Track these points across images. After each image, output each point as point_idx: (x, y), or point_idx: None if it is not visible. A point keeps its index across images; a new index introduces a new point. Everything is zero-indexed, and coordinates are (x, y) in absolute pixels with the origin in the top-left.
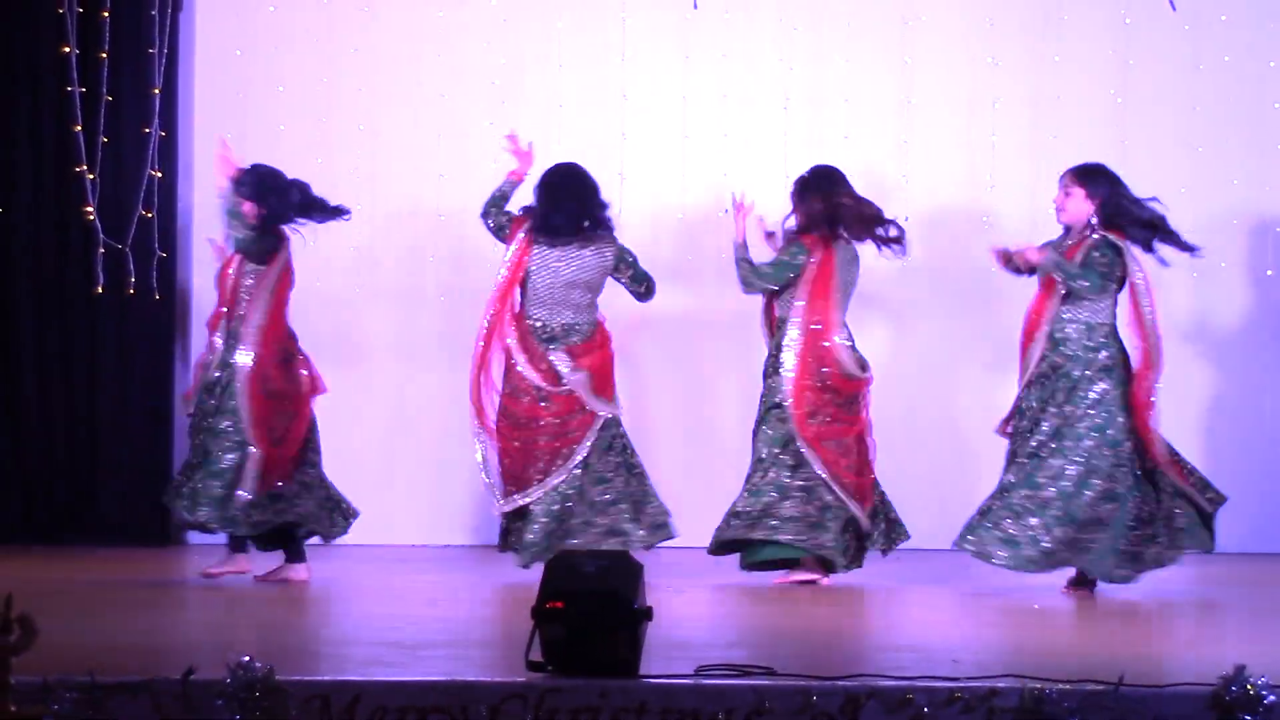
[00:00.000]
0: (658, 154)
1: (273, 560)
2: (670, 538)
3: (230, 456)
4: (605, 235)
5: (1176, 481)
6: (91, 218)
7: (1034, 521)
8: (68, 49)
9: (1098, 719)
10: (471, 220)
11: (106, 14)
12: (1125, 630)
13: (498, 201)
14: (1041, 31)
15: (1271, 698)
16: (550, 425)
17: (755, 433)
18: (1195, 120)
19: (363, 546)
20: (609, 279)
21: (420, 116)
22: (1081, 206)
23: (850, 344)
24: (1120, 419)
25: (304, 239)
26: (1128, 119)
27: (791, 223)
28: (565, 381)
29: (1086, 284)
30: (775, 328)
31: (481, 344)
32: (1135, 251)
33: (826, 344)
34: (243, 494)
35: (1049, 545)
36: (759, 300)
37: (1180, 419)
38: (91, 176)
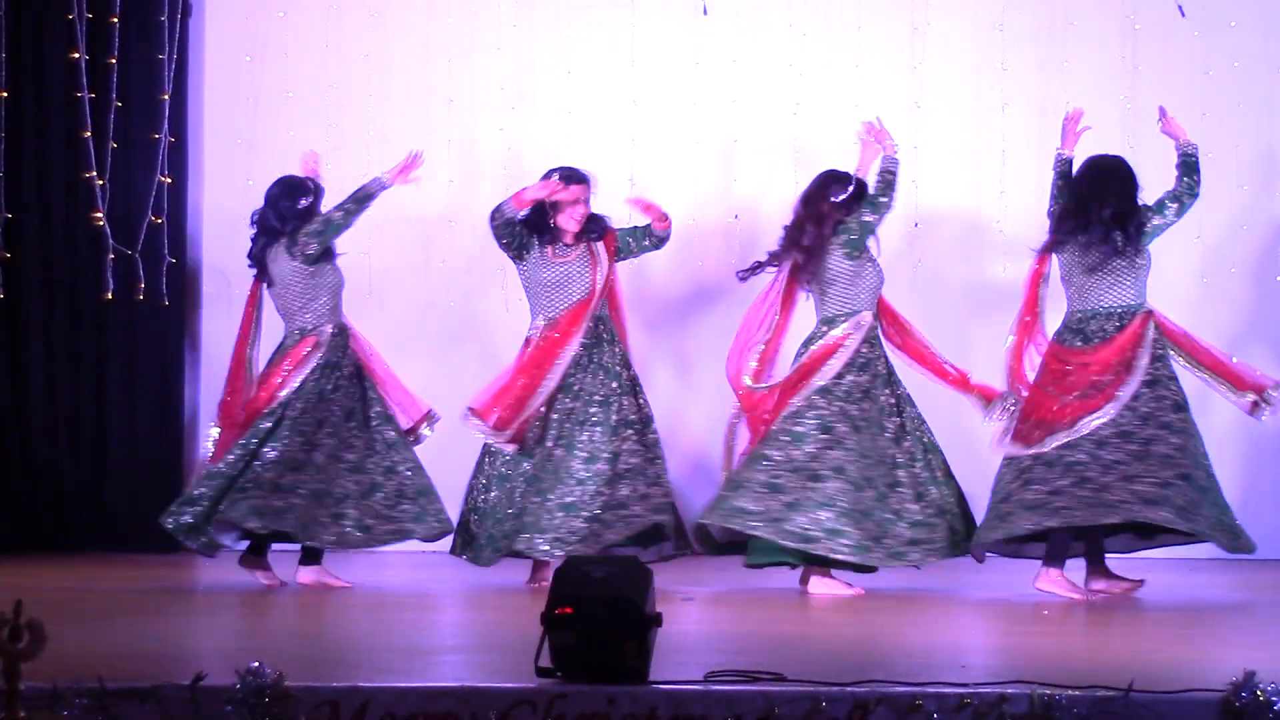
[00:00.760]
0: (667, 159)
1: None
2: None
3: None
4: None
5: None
6: (101, 223)
7: None
8: (77, 55)
9: None
10: (480, 226)
11: (116, 20)
12: (1135, 635)
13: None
14: (1050, 37)
15: None
16: None
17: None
18: (1204, 125)
19: (373, 552)
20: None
21: (430, 122)
22: None
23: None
24: None
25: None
26: (1137, 124)
27: None
28: None
29: None
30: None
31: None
32: None
33: None
34: None
35: None
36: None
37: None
38: (101, 182)
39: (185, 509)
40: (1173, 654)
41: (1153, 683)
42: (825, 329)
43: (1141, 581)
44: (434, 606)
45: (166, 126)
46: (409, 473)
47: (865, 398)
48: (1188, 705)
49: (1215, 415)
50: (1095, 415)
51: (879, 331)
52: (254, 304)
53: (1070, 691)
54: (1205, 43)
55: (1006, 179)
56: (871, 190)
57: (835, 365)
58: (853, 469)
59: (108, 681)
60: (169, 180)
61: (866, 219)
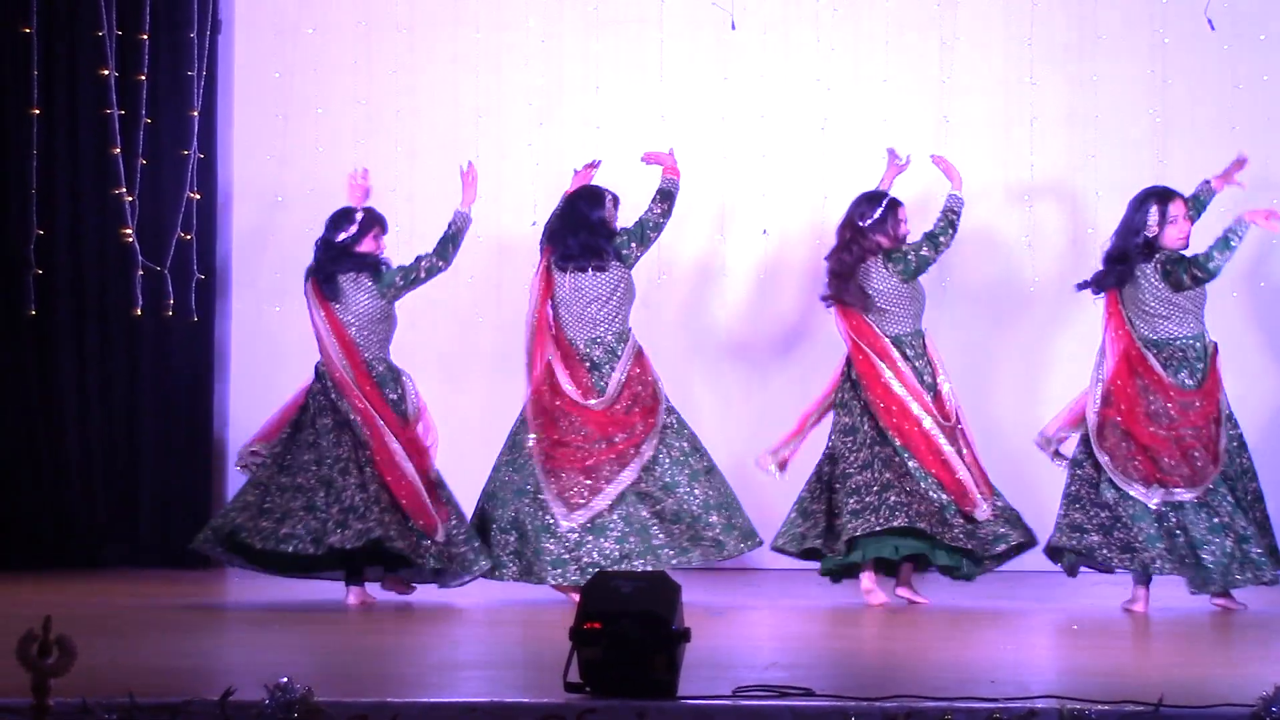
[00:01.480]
0: (696, 174)
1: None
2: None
3: None
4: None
5: None
6: (130, 239)
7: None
8: (106, 71)
9: None
10: (508, 240)
11: (145, 37)
12: (1165, 650)
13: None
14: (1079, 51)
15: None
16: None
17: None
18: (1234, 140)
19: None
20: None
21: (458, 138)
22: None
23: None
24: None
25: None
26: (1166, 139)
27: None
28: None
29: None
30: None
31: None
32: None
33: None
34: None
35: None
36: (800, 318)
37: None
38: (130, 199)
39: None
40: (1202, 669)
41: (1182, 698)
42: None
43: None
44: (462, 621)
45: (196, 143)
46: None
47: None
48: None
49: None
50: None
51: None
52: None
53: (1100, 706)
54: (1234, 56)
55: (1035, 192)
56: (934, 226)
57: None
58: None
59: (137, 697)
60: (198, 196)
61: (925, 254)
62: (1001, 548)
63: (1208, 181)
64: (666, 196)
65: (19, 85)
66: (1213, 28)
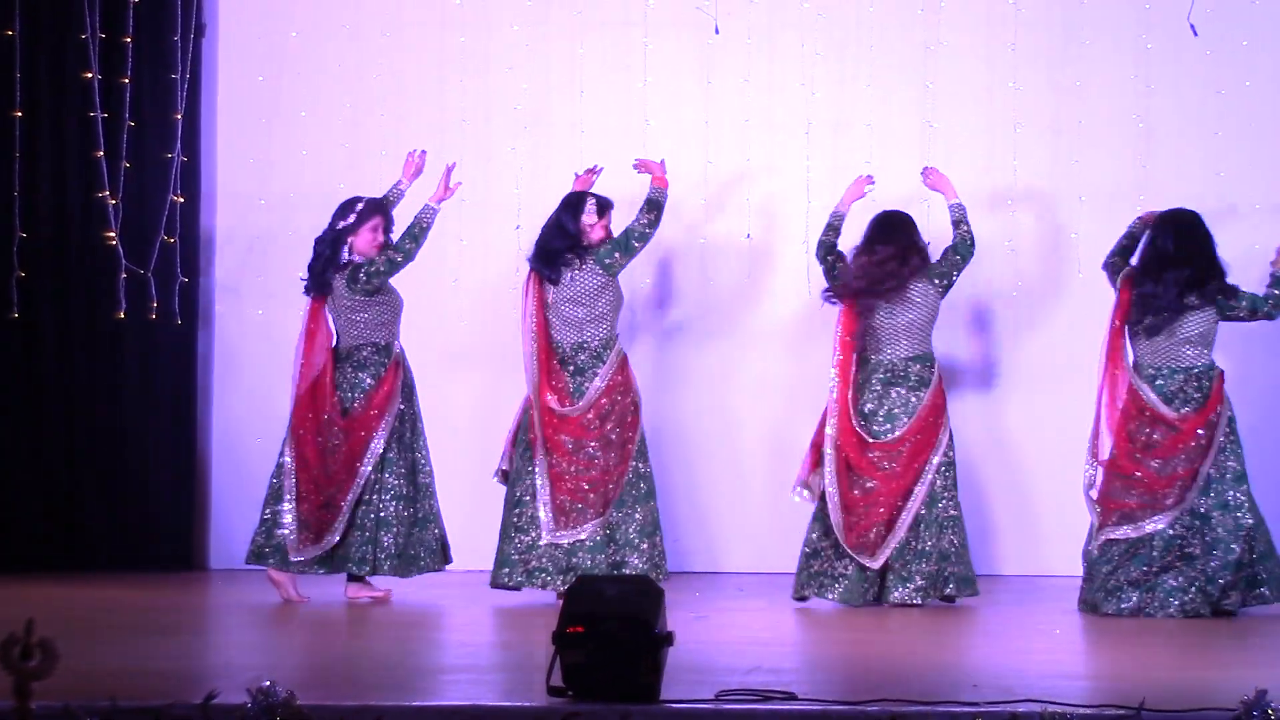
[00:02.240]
0: (680, 179)
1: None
2: None
3: None
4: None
5: None
6: (114, 243)
7: None
8: (90, 74)
9: None
10: (495, 245)
11: (129, 40)
12: (1147, 654)
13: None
14: (1063, 56)
15: None
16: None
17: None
18: (1217, 145)
19: None
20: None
21: (443, 142)
22: None
23: None
24: None
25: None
26: (1150, 144)
27: None
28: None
29: None
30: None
31: None
32: None
33: None
34: None
35: None
36: (783, 323)
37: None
38: (114, 202)
39: None
40: (1184, 672)
41: (1164, 701)
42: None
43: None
44: (447, 625)
45: (180, 146)
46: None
47: None
48: None
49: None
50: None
51: None
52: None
53: (1082, 710)
54: (1218, 62)
55: (1018, 197)
56: (955, 240)
57: None
58: None
59: (119, 700)
60: (182, 200)
61: (958, 265)
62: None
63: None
64: (654, 206)
65: (2, 87)
66: (1195, 34)
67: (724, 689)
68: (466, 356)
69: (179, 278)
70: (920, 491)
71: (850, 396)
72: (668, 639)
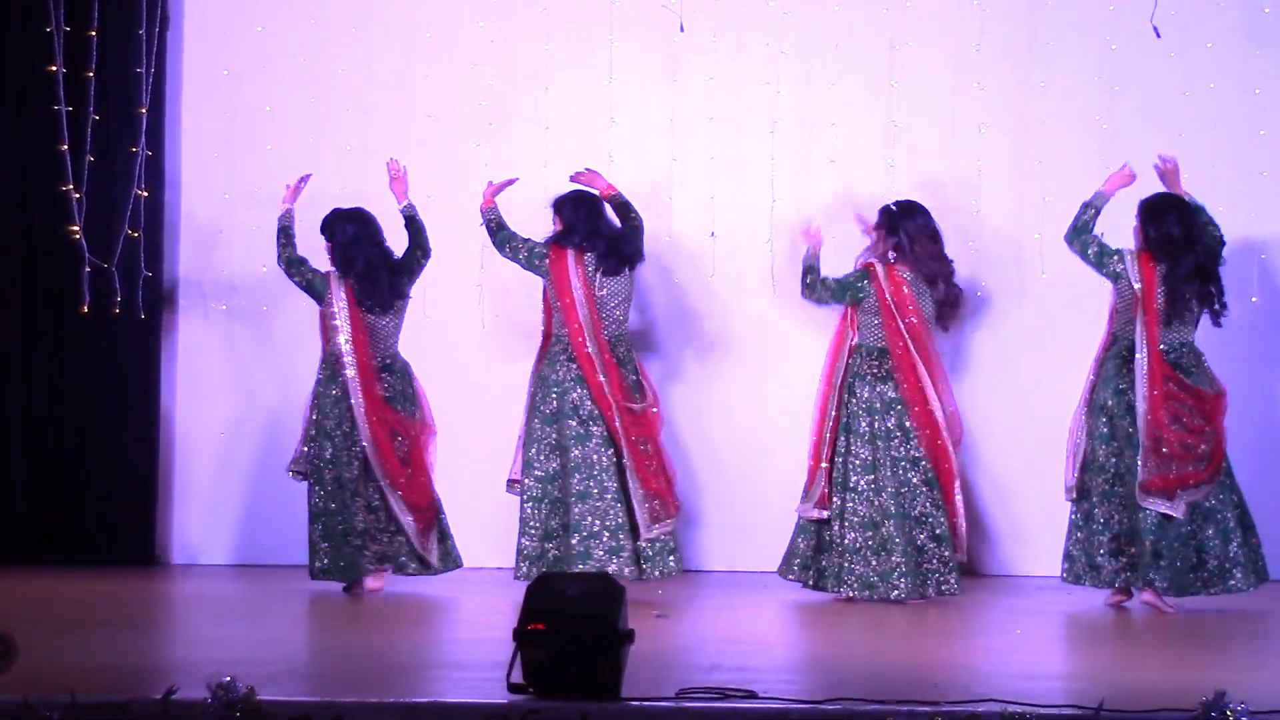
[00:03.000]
0: (645, 176)
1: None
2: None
3: None
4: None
5: None
6: (78, 237)
7: None
8: (55, 68)
9: None
10: (459, 239)
11: (94, 33)
12: (1107, 655)
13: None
14: (1027, 57)
15: None
16: None
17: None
18: (1181, 146)
19: None
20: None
21: (409, 137)
22: None
23: None
24: None
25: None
26: (1114, 145)
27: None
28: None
29: None
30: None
31: None
32: None
33: None
34: None
35: None
36: (747, 321)
37: None
38: (78, 196)
39: None
40: (1143, 673)
41: (1123, 702)
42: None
43: None
44: (411, 621)
45: (144, 140)
46: None
47: None
48: None
49: None
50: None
51: None
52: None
53: (1041, 710)
54: (1182, 63)
55: (982, 197)
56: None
57: None
58: None
59: (79, 695)
60: (146, 194)
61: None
62: None
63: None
64: (623, 207)
65: None
66: (1158, 35)
67: (684, 687)
68: (430, 354)
69: (143, 272)
70: None
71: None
72: (628, 637)
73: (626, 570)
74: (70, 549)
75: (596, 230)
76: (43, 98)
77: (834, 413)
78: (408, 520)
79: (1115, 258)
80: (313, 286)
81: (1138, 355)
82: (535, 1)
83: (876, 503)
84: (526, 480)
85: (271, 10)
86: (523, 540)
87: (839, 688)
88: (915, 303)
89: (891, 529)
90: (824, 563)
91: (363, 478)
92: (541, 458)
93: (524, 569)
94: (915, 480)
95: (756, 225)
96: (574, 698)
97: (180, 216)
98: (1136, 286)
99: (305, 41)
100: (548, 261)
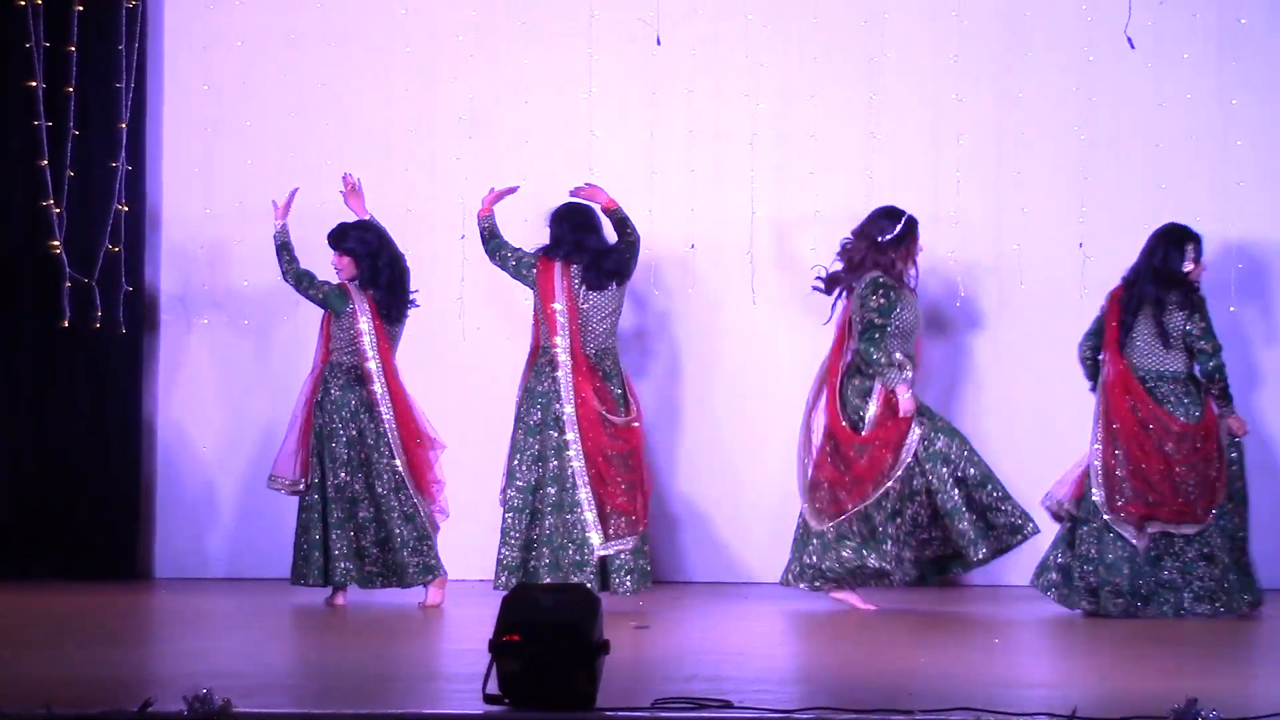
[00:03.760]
0: (625, 189)
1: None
2: None
3: None
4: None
5: None
6: (58, 252)
7: None
8: (34, 83)
9: None
10: (438, 254)
11: (74, 49)
12: (1080, 662)
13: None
14: (1006, 68)
15: None
16: None
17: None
18: (1158, 157)
19: None
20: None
21: (388, 151)
22: None
23: None
24: None
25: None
26: (1091, 155)
27: None
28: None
29: None
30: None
31: None
32: None
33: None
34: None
35: None
36: (726, 333)
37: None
38: (58, 210)
39: None
40: (1116, 681)
41: (1097, 709)
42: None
43: None
44: (391, 633)
45: (124, 155)
46: None
47: None
48: None
49: None
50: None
51: None
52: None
53: (1015, 717)
54: (1158, 75)
55: (961, 209)
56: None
57: None
58: None
59: (55, 708)
60: (126, 209)
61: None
62: None
63: None
64: (621, 223)
65: None
66: (1132, 46)
67: (660, 697)
68: (408, 367)
69: (124, 286)
70: None
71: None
72: (604, 647)
73: (590, 585)
74: (55, 563)
75: (581, 243)
76: (22, 113)
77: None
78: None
79: None
80: (329, 300)
81: None
82: (514, 15)
83: None
84: (509, 491)
85: (251, 26)
86: (503, 550)
87: (815, 697)
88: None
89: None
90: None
91: (393, 490)
92: (524, 468)
93: (503, 579)
94: None
95: (736, 237)
96: (549, 708)
97: (161, 231)
98: None
99: (285, 57)
100: (535, 272)
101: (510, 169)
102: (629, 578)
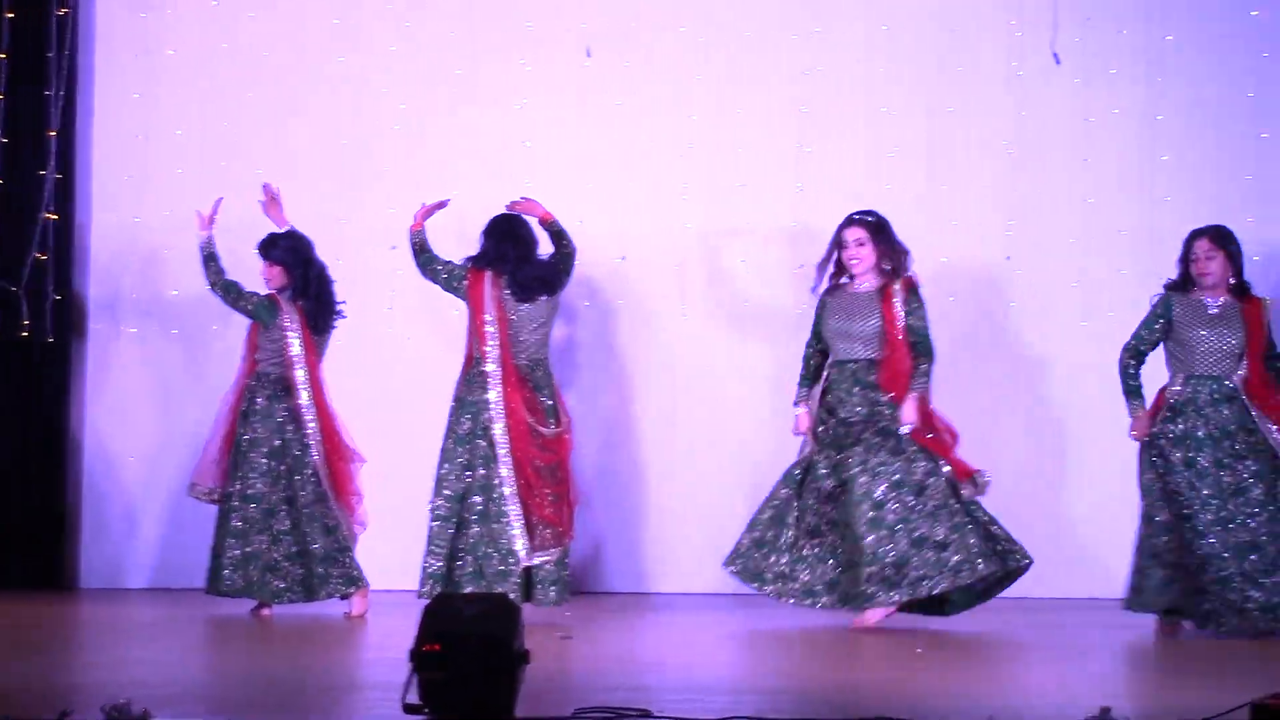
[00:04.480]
0: (558, 200)
1: None
2: None
3: None
4: None
5: None
6: None
7: None
8: None
9: None
10: (371, 264)
11: (4, 55)
12: (995, 672)
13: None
14: (935, 82)
15: None
16: None
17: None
18: (1085, 171)
19: None
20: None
21: (320, 162)
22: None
23: None
24: None
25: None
26: (1020, 169)
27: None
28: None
29: None
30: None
31: None
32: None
33: None
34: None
35: None
36: (657, 345)
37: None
38: None
39: None
40: (1030, 690)
41: (1011, 718)
42: None
43: None
44: (314, 643)
45: (54, 163)
46: None
47: None
48: None
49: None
50: None
51: None
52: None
53: None
54: (1086, 90)
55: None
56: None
57: None
58: None
59: None
60: (55, 217)
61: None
62: None
63: None
64: (558, 235)
65: None
66: (1058, 61)
67: (580, 707)
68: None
69: (51, 295)
70: None
71: None
72: (524, 657)
73: (512, 595)
74: None
75: (505, 255)
76: None
77: None
78: (355, 537)
79: None
80: (258, 311)
81: None
82: (447, 27)
83: None
84: (436, 499)
85: (184, 34)
86: (428, 560)
87: (731, 706)
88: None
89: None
90: None
91: (315, 501)
92: (452, 477)
93: (429, 589)
94: None
95: (667, 249)
96: (469, 718)
97: (90, 239)
98: None
99: (217, 65)
100: (465, 284)
101: (442, 180)
102: (553, 589)
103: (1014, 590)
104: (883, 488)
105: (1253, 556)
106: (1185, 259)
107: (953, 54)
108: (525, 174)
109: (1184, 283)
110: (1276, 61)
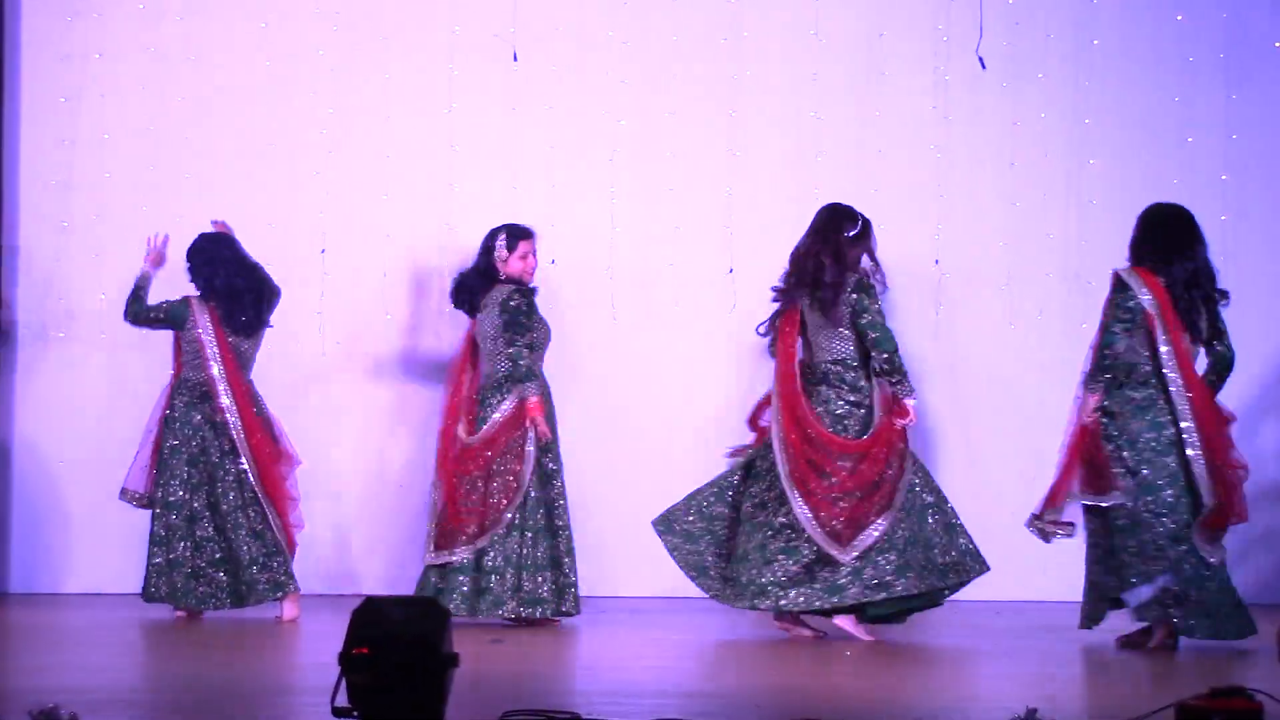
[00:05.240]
0: (485, 205)
1: None
2: None
3: None
4: None
5: None
6: None
7: None
8: None
9: None
10: (300, 268)
11: None
12: (921, 675)
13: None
14: (864, 87)
15: None
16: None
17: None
18: (1013, 175)
19: None
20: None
21: (248, 166)
22: None
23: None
24: None
25: None
26: (949, 174)
27: None
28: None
29: None
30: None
31: None
32: None
33: None
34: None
35: None
36: (584, 350)
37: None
38: None
39: None
40: (960, 691)
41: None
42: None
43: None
44: (240, 647)
45: None
46: None
47: None
48: None
49: (1017, 455)
50: None
51: None
52: None
53: None
54: (1013, 95)
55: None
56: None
57: None
58: None
59: None
60: None
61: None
62: None
63: None
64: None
65: None
66: (984, 66)
67: (509, 710)
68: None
69: None
70: None
71: None
72: (453, 660)
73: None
74: None
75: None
76: None
77: None
78: (285, 540)
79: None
80: (172, 315)
81: None
82: (375, 31)
83: None
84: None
85: (111, 38)
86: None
87: (660, 709)
88: None
89: None
90: None
91: (240, 506)
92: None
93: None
94: None
95: (597, 253)
96: None
97: (18, 244)
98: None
99: (145, 69)
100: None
101: (370, 184)
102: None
103: (966, 594)
104: None
105: None
106: None
107: (881, 59)
108: (453, 178)
109: None
110: (1202, 66)
